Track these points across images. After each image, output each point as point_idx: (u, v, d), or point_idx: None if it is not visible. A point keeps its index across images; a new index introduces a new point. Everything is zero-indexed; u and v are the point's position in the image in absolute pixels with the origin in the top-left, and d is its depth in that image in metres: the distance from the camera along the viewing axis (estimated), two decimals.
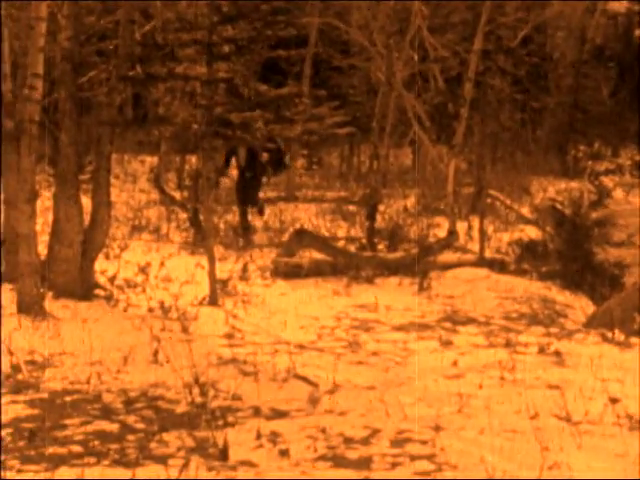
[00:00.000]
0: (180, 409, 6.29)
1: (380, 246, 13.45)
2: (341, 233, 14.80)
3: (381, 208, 15.64)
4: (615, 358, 7.77)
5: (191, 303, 9.70)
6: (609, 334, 8.76)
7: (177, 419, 6.06)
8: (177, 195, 16.92)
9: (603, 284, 11.38)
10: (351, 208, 17.05)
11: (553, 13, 19.20)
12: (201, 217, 12.73)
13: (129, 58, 9.54)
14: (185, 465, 5.10)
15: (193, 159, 19.57)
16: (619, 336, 8.71)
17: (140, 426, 5.93)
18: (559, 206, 12.45)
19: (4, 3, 10.63)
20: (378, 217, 14.53)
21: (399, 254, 12.72)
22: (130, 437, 5.70)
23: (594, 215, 11.92)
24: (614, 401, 6.25)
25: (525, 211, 16.87)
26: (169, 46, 10.14)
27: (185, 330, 8.44)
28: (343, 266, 11.95)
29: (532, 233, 14.05)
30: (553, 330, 9.17)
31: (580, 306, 10.74)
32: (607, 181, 16.98)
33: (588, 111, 29.65)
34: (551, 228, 12.59)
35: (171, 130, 11.35)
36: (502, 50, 17.56)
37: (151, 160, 21.32)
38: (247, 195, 14.80)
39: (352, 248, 13.37)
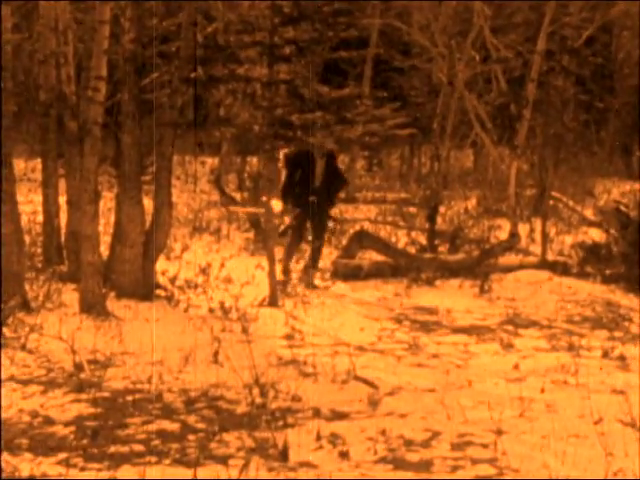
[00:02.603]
0: (240, 409, 6.30)
1: (441, 248, 13.37)
2: (401, 234, 14.73)
3: (442, 210, 15.57)
4: None
5: (251, 304, 9.72)
6: None
7: (237, 419, 6.07)
8: (238, 196, 16.99)
9: None
10: (411, 210, 16.98)
11: (618, 12, 18.94)
12: (261, 218, 12.78)
13: (191, 60, 9.59)
14: (245, 465, 5.09)
15: (254, 160, 19.72)
16: None
17: (201, 426, 5.95)
18: (624, 208, 12.28)
19: (69, 6, 10.78)
20: (439, 219, 14.46)
21: (460, 256, 12.64)
22: (191, 437, 5.72)
23: None
24: None
25: (589, 213, 16.66)
26: (231, 48, 10.20)
27: (245, 331, 8.46)
28: (403, 268, 11.90)
29: (596, 236, 13.86)
30: (617, 334, 9.03)
31: None
32: None
33: None
34: (615, 230, 12.41)
35: (232, 131, 11.43)
36: (566, 50, 17.38)
37: (212, 161, 21.50)
38: (316, 229, 11.67)
39: (412, 250, 13.31)
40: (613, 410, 6.11)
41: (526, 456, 5.29)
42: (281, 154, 12.08)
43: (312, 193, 11.32)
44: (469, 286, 11.33)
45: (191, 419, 6.08)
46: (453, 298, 10.74)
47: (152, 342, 7.75)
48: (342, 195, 16.02)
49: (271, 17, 10.31)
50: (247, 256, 12.82)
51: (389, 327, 9.29)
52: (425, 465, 5.24)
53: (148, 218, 9.71)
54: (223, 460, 5.24)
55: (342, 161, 24.01)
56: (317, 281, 11.35)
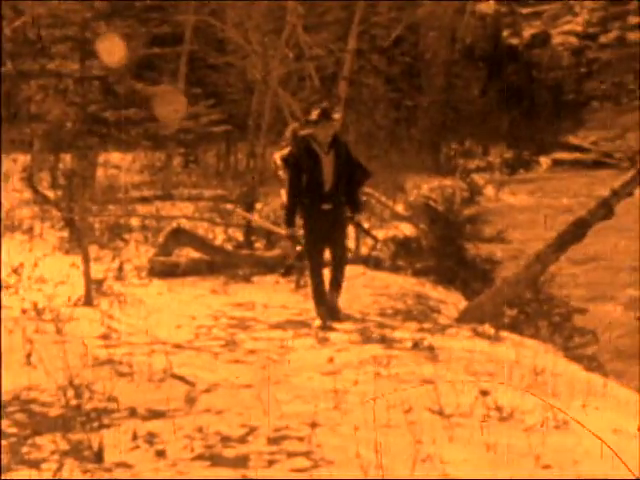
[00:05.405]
0: (54, 412, 6.19)
1: (257, 244, 13.48)
2: (218, 231, 14.76)
3: (258, 206, 15.69)
4: (486, 352, 7.97)
5: (66, 304, 9.55)
6: (480, 328, 8.98)
7: (51, 422, 5.97)
8: (51, 194, 16.63)
9: (475, 279, 11.68)
10: (228, 206, 17.03)
11: (424, 13, 19.60)
12: (76, 217, 12.57)
13: None
14: (59, 469, 5.03)
15: (67, 158, 19.35)
16: (489, 330, 8.94)
17: (12, 430, 5.82)
18: (432, 203, 12.68)
19: None
20: (255, 215, 14.56)
21: (276, 252, 12.76)
22: (2, 442, 5.59)
23: (466, 212, 12.19)
24: (484, 394, 6.39)
25: (400, 208, 17.13)
26: (41, 42, 9.98)
27: (59, 331, 8.31)
28: (220, 265, 11.95)
29: (407, 230, 14.28)
30: (427, 325, 9.31)
31: (453, 301, 10.97)
32: (478, 178, 17.37)
33: (459, 110, 30.45)
34: (425, 225, 12.81)
35: (44, 128, 11.17)
36: (376, 49, 17.82)
37: (24, 159, 20.92)
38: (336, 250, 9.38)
39: (229, 246, 13.36)
40: (422, 399, 6.31)
41: (340, 447, 5.41)
42: (276, 156, 10.27)
43: (322, 201, 9.05)
44: (285, 282, 11.43)
45: (2, 424, 5.94)
46: (270, 294, 10.84)
47: None
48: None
49: (82, 12, 10.11)
50: (61, 255, 12.58)
51: (206, 324, 9.31)
52: (242, 460, 5.28)
53: None
54: (36, 464, 5.15)
55: (159, 158, 23.89)
56: (134, 279, 11.25)
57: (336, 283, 9.29)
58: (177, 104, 10.55)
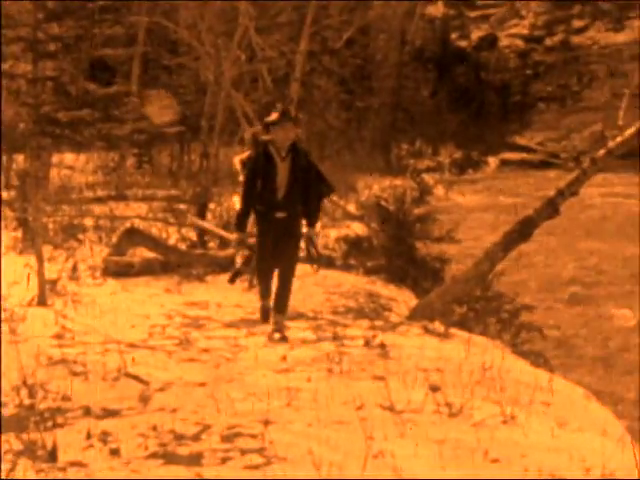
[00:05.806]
0: (7, 412, 6.18)
1: (211, 244, 13.52)
2: (172, 231, 14.77)
3: (212, 206, 15.72)
4: (436, 348, 8.10)
5: (19, 304, 9.54)
6: (430, 326, 9.12)
7: (4, 422, 5.94)
8: (4, 195, 16.53)
9: (425, 278, 11.82)
10: (182, 207, 17.04)
11: (375, 15, 19.74)
12: (29, 217, 12.53)
13: None
14: (12, 468, 5.04)
15: (20, 158, 19.23)
16: (439, 327, 9.08)
17: None
18: (384, 203, 12.79)
19: None
20: (209, 215, 14.60)
21: (229, 251, 12.81)
22: None
23: (416, 211, 12.32)
24: (434, 390, 6.51)
25: (351, 208, 17.24)
26: None
27: (13, 331, 8.30)
28: (174, 264, 11.98)
29: (358, 229, 14.39)
30: (378, 323, 9.41)
31: (403, 299, 11.10)
32: (428, 178, 17.54)
33: (409, 111, 30.75)
34: (376, 224, 12.92)
35: None
36: (327, 51, 17.93)
37: None
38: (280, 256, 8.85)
39: (183, 246, 13.39)
40: (374, 396, 6.39)
41: (292, 444, 5.46)
42: (236, 160, 10.07)
43: (275, 209, 8.60)
44: (239, 281, 11.47)
45: None
46: (223, 293, 10.87)
47: None
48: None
49: (34, 12, 10.11)
50: (15, 255, 12.53)
51: (160, 323, 9.33)
52: (195, 458, 5.30)
53: None
54: None
55: (112, 159, 23.79)
56: (88, 279, 11.25)
57: (281, 305, 8.79)
58: (166, 104, 10.53)
